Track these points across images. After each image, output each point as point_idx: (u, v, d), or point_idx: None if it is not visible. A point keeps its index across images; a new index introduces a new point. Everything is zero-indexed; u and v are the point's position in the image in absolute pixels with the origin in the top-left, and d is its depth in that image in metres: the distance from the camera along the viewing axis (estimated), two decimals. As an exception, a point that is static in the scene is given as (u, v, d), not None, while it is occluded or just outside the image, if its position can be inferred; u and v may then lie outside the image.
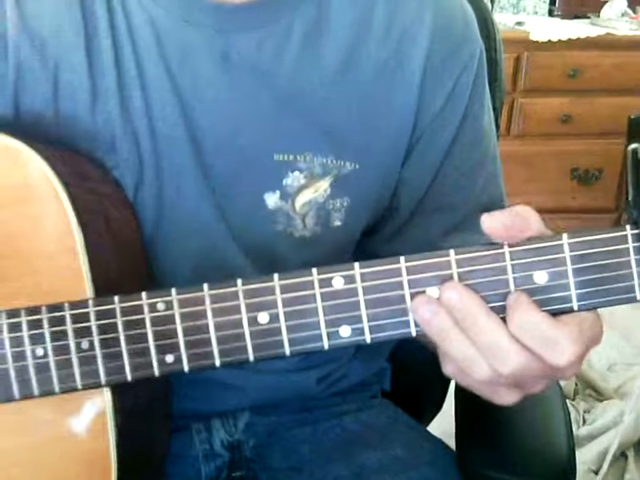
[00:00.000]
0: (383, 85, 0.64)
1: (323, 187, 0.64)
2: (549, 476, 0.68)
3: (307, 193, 0.64)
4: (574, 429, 1.58)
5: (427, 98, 0.65)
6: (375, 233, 0.72)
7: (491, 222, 0.44)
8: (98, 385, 0.49)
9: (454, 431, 0.76)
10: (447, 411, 0.86)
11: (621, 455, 1.61)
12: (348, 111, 0.63)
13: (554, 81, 2.17)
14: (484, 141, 0.70)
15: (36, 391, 0.50)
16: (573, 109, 2.20)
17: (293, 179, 0.63)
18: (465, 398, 0.75)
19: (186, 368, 0.48)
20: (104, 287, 0.51)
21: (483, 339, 0.44)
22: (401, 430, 0.77)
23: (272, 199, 0.63)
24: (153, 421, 0.63)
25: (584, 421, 1.67)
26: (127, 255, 0.59)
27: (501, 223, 0.44)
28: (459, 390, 0.76)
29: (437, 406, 0.93)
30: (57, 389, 0.49)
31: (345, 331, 0.46)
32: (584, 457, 1.55)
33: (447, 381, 0.86)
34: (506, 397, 0.47)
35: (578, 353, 0.43)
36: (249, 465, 0.74)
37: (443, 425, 0.86)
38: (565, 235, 0.43)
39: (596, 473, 1.56)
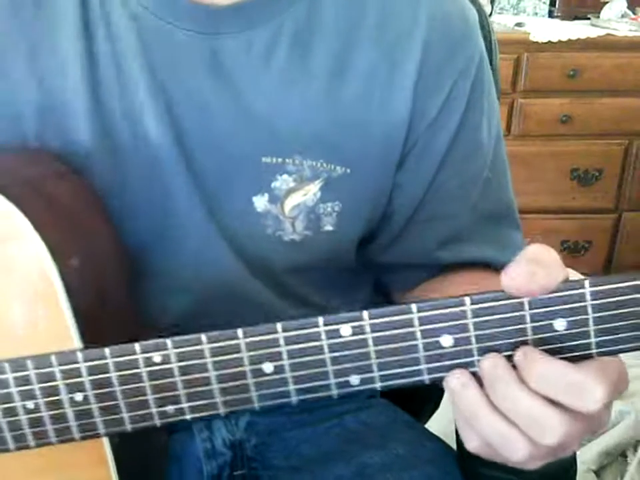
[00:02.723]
0: (376, 89, 0.63)
1: (312, 190, 0.63)
2: (549, 474, 0.68)
3: (296, 196, 0.63)
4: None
5: (422, 103, 0.63)
6: (371, 242, 0.71)
7: (507, 281, 0.42)
8: (97, 436, 0.48)
9: (453, 430, 0.76)
10: (446, 411, 0.86)
11: (621, 455, 1.61)
12: (339, 114, 0.63)
13: (554, 82, 2.17)
14: (483, 151, 0.69)
15: (32, 443, 0.48)
16: (572, 110, 2.20)
17: (282, 182, 0.62)
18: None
19: (188, 417, 0.46)
20: (90, 323, 0.50)
21: (516, 409, 0.41)
22: (400, 429, 0.78)
23: (261, 202, 0.63)
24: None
25: (584, 421, 1.67)
26: (109, 280, 0.58)
27: (519, 278, 0.41)
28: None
29: (435, 403, 0.93)
30: (54, 441, 0.48)
31: (355, 380, 0.45)
32: (584, 456, 1.55)
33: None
34: (537, 464, 0.45)
35: (607, 393, 0.41)
36: (250, 464, 0.74)
37: (443, 425, 0.86)
38: (587, 282, 0.42)
39: (596, 472, 1.56)
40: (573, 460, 0.71)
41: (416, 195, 0.67)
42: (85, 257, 0.54)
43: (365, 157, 0.64)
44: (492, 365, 0.43)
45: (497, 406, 0.42)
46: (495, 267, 0.66)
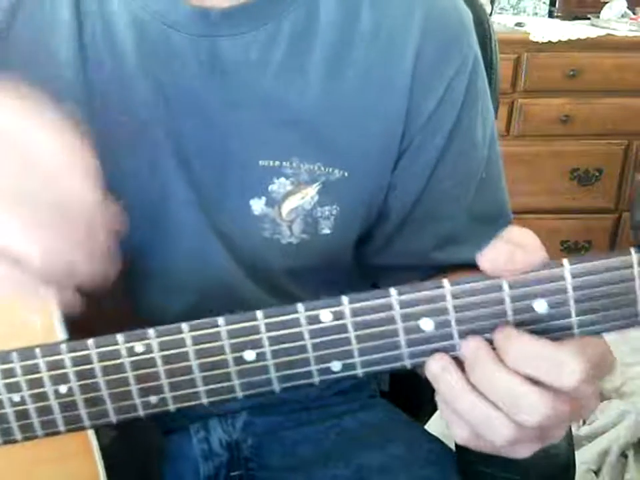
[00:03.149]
0: (371, 89, 0.63)
1: (310, 193, 0.63)
2: (548, 474, 0.68)
3: (293, 200, 0.63)
4: (574, 429, 1.59)
5: (417, 102, 0.63)
6: (367, 244, 0.71)
7: (485, 262, 0.42)
8: (82, 428, 0.48)
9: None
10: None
11: (621, 455, 1.61)
12: (335, 117, 0.62)
13: (554, 82, 2.17)
14: (478, 152, 0.69)
15: (19, 437, 0.48)
16: (572, 110, 2.20)
17: (279, 185, 0.62)
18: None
19: (172, 408, 0.46)
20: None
21: (496, 389, 0.41)
22: (400, 429, 0.78)
23: (258, 205, 0.62)
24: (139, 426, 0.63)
25: (584, 421, 1.67)
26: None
27: (497, 259, 0.42)
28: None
29: (434, 404, 0.93)
30: (39, 434, 0.48)
31: (336, 366, 0.45)
32: (584, 456, 1.55)
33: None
34: (526, 451, 0.44)
35: (585, 368, 0.40)
36: (247, 465, 0.74)
37: (442, 426, 0.86)
38: (566, 261, 0.41)
39: (596, 473, 1.56)
40: (572, 460, 0.71)
41: (411, 194, 0.67)
42: None
43: (362, 159, 0.64)
44: (473, 347, 0.43)
45: (477, 387, 0.42)
46: None
